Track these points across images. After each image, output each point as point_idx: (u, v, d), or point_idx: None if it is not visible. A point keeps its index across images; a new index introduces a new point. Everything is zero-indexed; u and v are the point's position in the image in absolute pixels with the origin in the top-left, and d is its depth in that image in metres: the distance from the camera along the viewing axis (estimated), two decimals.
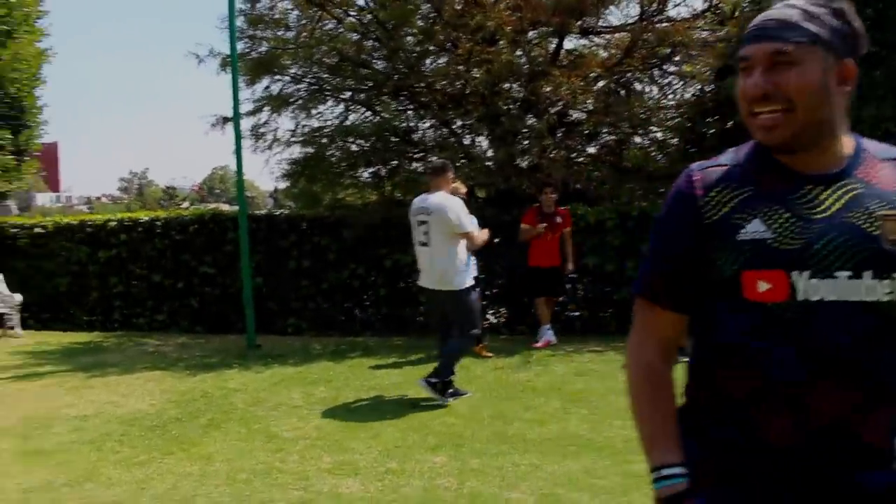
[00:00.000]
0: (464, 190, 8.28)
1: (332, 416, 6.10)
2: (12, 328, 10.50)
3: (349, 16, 10.40)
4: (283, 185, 11.85)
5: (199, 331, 10.68)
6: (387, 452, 5.12)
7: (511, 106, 9.79)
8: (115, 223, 11.33)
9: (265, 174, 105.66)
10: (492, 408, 6.14)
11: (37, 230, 11.51)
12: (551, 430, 5.52)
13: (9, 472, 4.98)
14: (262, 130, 10.46)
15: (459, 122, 10.32)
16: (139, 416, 6.37)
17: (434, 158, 10.50)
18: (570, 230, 8.76)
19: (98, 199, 76.48)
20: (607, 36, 10.75)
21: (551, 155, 9.67)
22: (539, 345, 8.56)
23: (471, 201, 8.68)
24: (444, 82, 9.82)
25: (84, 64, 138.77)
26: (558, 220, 8.60)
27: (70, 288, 11.20)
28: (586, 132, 10.65)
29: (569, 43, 10.63)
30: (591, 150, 11.01)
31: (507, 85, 9.79)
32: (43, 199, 64.63)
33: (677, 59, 10.17)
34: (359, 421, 5.94)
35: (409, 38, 10.19)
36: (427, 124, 10.55)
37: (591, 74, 9.81)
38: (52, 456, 5.47)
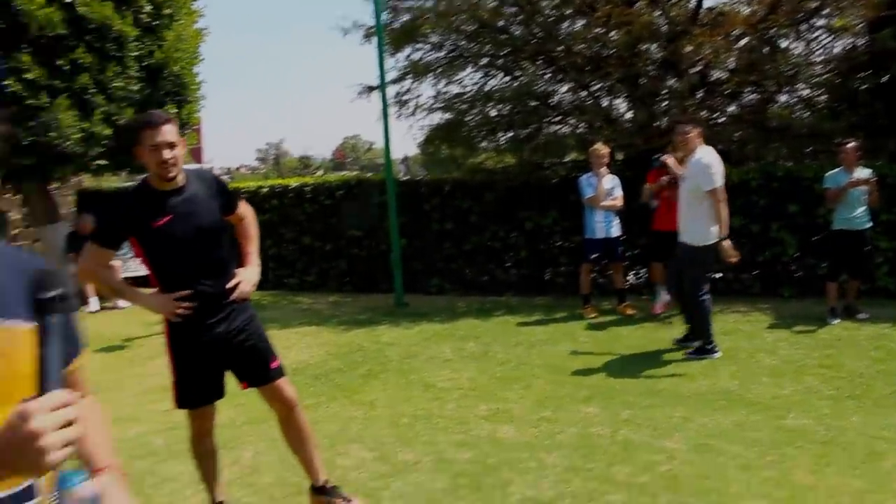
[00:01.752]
0: (606, 151, 8.36)
1: (484, 369, 6.38)
2: None
3: None
4: (415, 151, 12.03)
5: (347, 290, 11.22)
6: (539, 402, 5.36)
7: (651, 67, 9.69)
8: (266, 189, 11.98)
9: (398, 141, 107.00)
10: (640, 364, 6.27)
11: None
12: (700, 385, 5.61)
13: None
14: (405, 98, 10.79)
15: (598, 85, 10.28)
16: (303, 366, 6.87)
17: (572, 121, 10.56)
18: None
19: (237, 169, 79.19)
20: None
21: (692, 116, 9.55)
22: (657, 310, 8.29)
23: (611, 163, 8.74)
24: (582, 45, 9.79)
25: (221, 39, 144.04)
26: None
27: None
28: (728, 92, 10.39)
29: (709, 0, 10.38)
30: (733, 109, 10.73)
31: (646, 46, 9.68)
32: None
33: (826, 11, 9.72)
34: (510, 373, 6.20)
35: (546, 2, 10.22)
36: (565, 88, 10.57)
37: (734, 32, 9.56)
38: (230, 398, 6.00)
